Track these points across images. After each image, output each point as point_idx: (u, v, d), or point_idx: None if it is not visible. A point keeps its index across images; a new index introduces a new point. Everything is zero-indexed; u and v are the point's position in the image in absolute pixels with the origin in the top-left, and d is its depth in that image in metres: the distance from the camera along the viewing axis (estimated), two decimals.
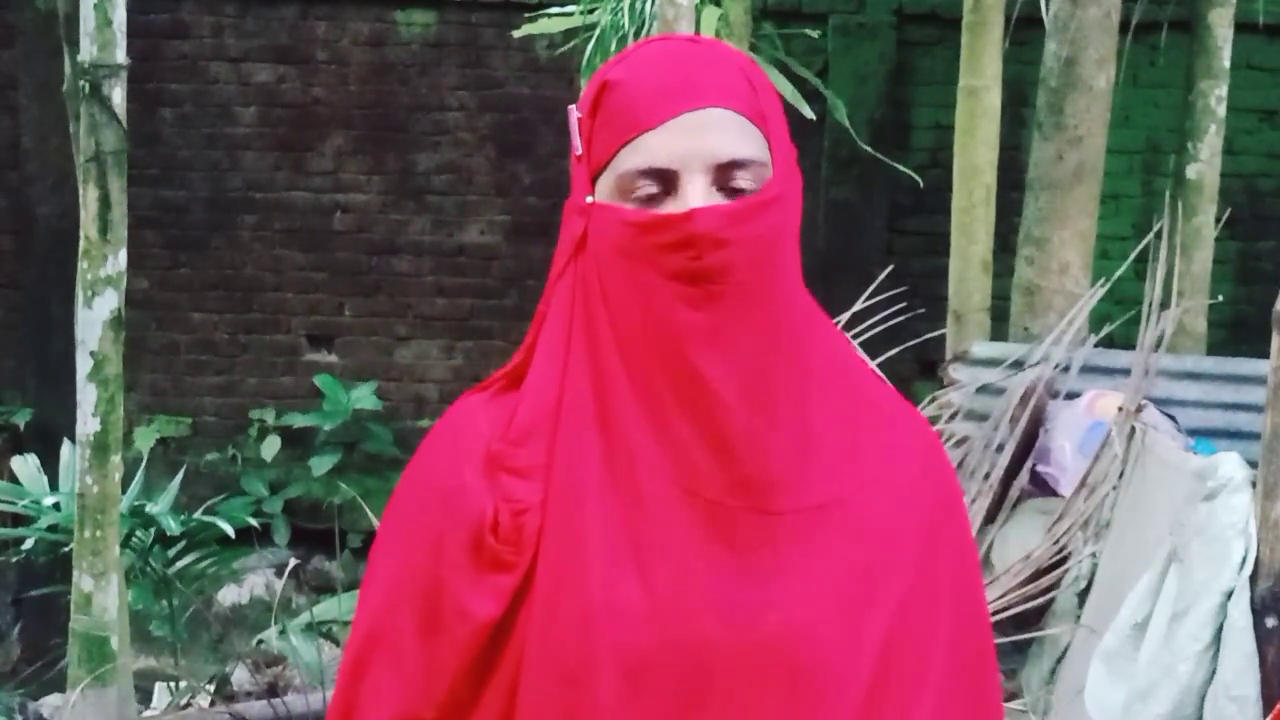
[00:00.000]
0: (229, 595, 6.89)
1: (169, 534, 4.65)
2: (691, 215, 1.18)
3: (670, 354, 1.19)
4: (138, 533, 4.62)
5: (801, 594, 1.19)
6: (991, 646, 1.33)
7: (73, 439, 3.95)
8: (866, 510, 1.24)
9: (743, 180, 1.20)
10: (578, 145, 1.25)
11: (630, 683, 1.17)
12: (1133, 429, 3.97)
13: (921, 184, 5.93)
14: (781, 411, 1.20)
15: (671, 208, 1.20)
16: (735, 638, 1.17)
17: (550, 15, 5.47)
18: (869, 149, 5.96)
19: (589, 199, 1.24)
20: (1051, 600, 3.97)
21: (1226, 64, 5.46)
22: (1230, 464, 3.10)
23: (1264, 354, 3.12)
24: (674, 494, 1.19)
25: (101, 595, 3.68)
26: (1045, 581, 3.96)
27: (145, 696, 4.86)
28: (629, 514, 1.20)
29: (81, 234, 3.63)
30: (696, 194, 1.19)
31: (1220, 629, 2.98)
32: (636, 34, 4.81)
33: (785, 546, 1.19)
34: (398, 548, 1.29)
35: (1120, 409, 4.17)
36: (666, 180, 1.20)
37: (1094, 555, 3.90)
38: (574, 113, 1.26)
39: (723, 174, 1.20)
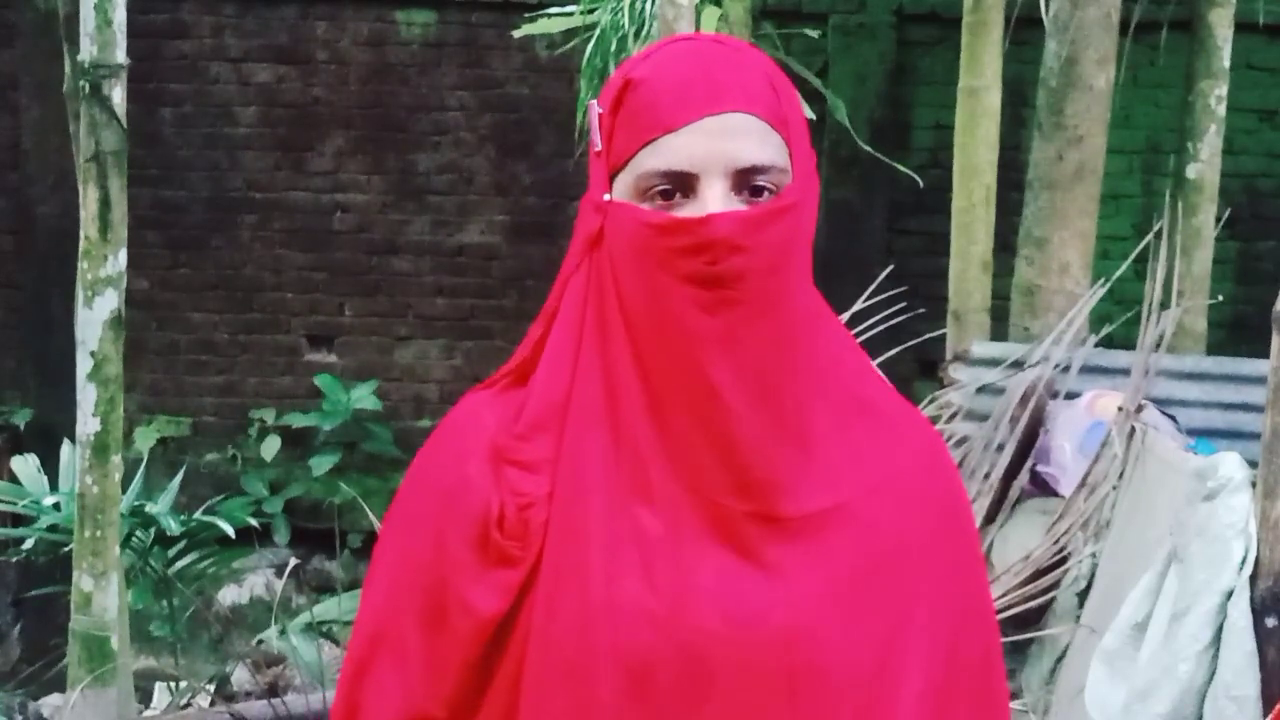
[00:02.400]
0: (229, 595, 6.89)
1: (169, 534, 4.65)
2: (709, 220, 1.18)
3: (681, 357, 1.19)
4: (138, 533, 4.62)
5: (804, 595, 1.19)
6: (998, 647, 1.33)
7: (73, 439, 3.95)
8: (870, 514, 1.24)
9: (761, 185, 1.20)
10: (597, 141, 1.25)
11: (632, 681, 1.17)
12: (1133, 429, 3.97)
13: (921, 184, 5.93)
14: (788, 418, 1.20)
15: (689, 211, 1.19)
16: (737, 637, 1.17)
17: (550, 15, 5.47)
18: (869, 149, 5.96)
19: (606, 196, 1.24)
20: (1051, 600, 3.97)
21: (1226, 64, 5.46)
22: (1230, 464, 3.10)
23: (1264, 354, 3.12)
24: (679, 494, 1.19)
25: (101, 595, 3.68)
26: (1045, 581, 3.96)
27: (145, 696, 4.86)
28: (634, 511, 1.20)
29: (81, 234, 3.63)
30: (715, 198, 1.19)
31: (1220, 629, 2.98)
32: (636, 34, 4.81)
33: (788, 548, 1.20)
34: (401, 545, 1.29)
35: (1120, 409, 4.17)
36: (685, 183, 1.20)
37: (1094, 555, 3.90)
38: (595, 108, 1.26)
39: (741, 179, 1.20)
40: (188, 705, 4.61)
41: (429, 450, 1.31)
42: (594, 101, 1.27)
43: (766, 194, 1.20)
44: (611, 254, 1.23)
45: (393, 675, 1.26)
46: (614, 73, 1.27)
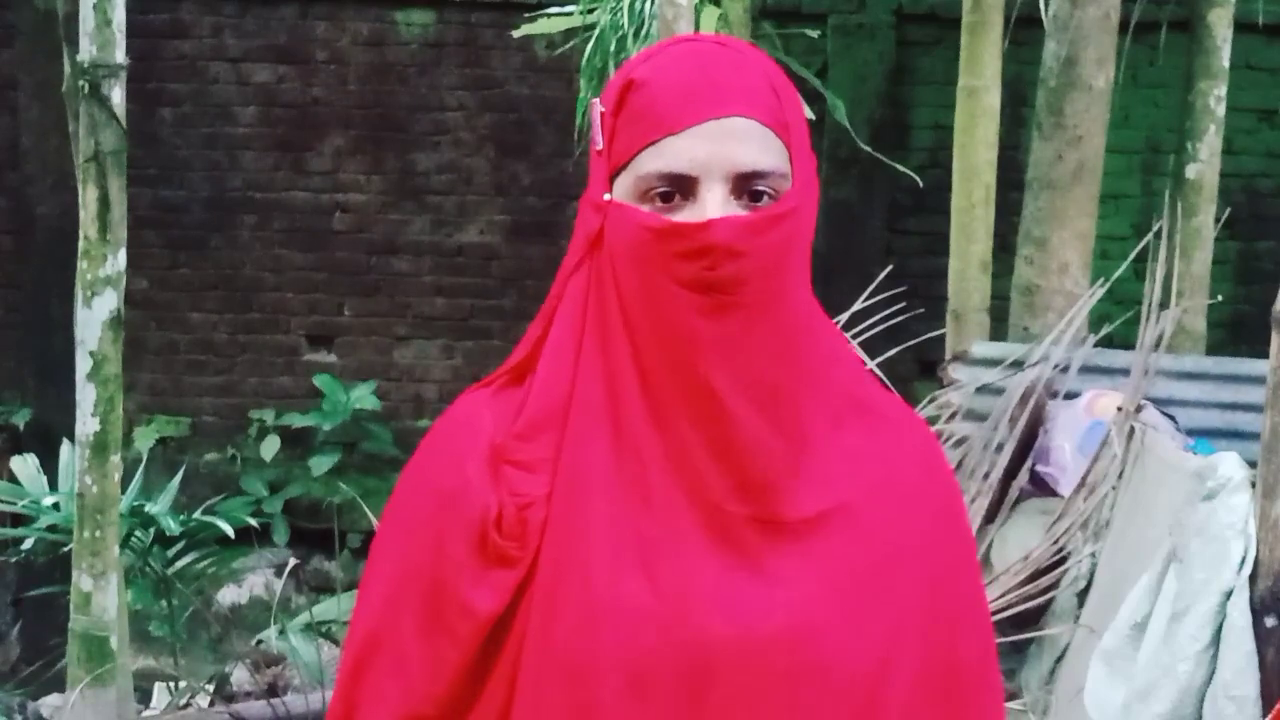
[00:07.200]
0: (228, 595, 6.89)
1: (168, 534, 4.66)
2: (709, 225, 1.18)
3: (679, 360, 1.19)
4: (137, 533, 4.62)
5: (804, 595, 1.19)
6: (993, 647, 1.34)
7: (72, 439, 3.94)
8: (869, 515, 1.24)
9: (761, 190, 1.20)
10: (598, 140, 1.24)
11: (633, 682, 1.17)
12: (1132, 429, 3.96)
13: (921, 184, 5.93)
14: (785, 421, 1.20)
15: (689, 214, 1.19)
16: (738, 638, 1.17)
17: (549, 15, 5.47)
18: (868, 149, 5.95)
19: (606, 196, 1.24)
20: (1051, 600, 3.97)
21: (1226, 64, 5.45)
22: (1229, 464, 3.10)
23: (1263, 354, 3.12)
24: (679, 497, 1.19)
25: (101, 595, 3.68)
26: (1044, 581, 3.96)
27: (144, 696, 4.86)
28: (636, 512, 1.20)
29: (81, 234, 3.62)
30: (715, 202, 1.19)
31: (1219, 629, 2.98)
32: (636, 34, 4.81)
33: (787, 550, 1.20)
34: (397, 547, 1.29)
35: (1120, 409, 4.17)
36: (685, 185, 1.20)
37: (1093, 555, 3.90)
38: (597, 106, 1.26)
39: (742, 183, 1.20)
40: (187, 705, 4.61)
41: (426, 450, 1.31)
42: (596, 100, 1.27)
43: (766, 199, 1.20)
44: (611, 254, 1.23)
45: (390, 677, 1.26)
46: (617, 72, 1.27)
